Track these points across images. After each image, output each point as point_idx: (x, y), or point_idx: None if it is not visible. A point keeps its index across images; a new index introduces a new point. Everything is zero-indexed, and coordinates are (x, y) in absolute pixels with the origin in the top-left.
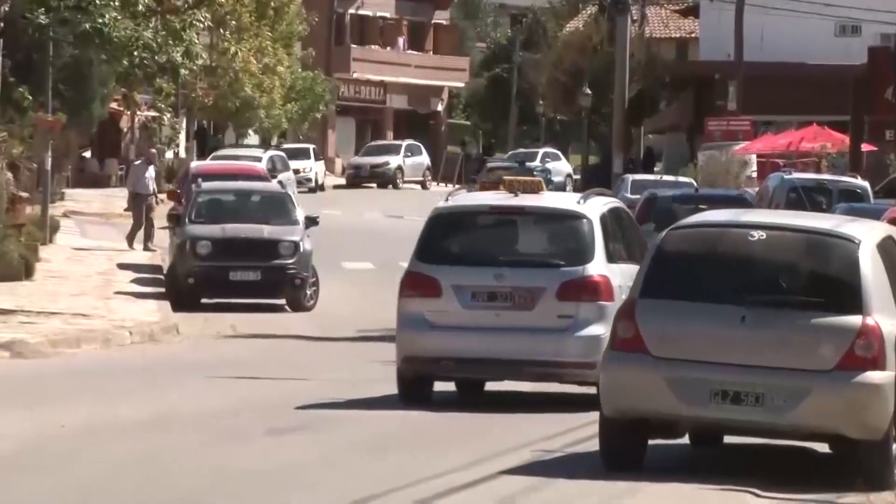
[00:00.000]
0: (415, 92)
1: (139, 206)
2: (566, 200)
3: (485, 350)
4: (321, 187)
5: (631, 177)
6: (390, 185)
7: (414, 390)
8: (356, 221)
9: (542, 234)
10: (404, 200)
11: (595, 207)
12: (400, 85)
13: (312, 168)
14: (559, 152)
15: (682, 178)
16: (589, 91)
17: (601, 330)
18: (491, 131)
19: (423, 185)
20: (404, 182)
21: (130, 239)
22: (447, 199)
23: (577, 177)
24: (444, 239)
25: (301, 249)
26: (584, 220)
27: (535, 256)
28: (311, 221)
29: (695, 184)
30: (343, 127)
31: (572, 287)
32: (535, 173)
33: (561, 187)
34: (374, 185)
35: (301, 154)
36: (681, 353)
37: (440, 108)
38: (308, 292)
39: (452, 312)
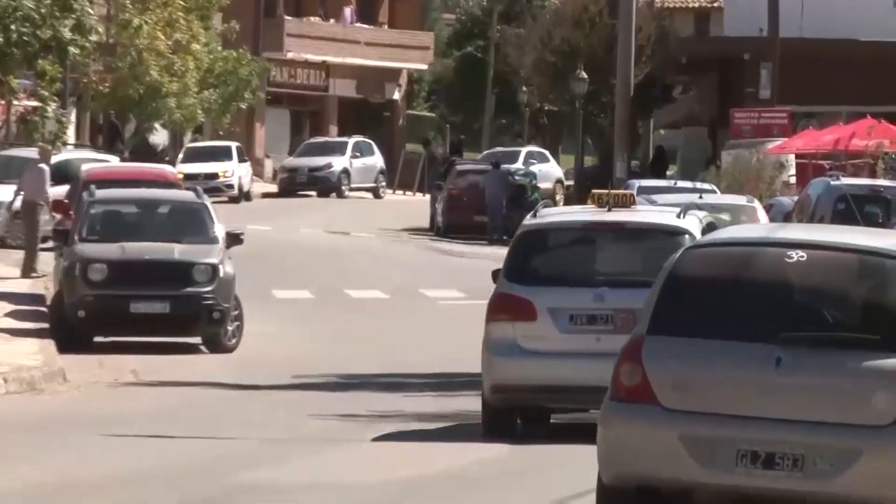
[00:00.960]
0: (365, 76)
1: (34, 219)
2: (665, 216)
3: (584, 377)
4: (246, 196)
5: (637, 182)
6: (334, 194)
7: (500, 423)
8: (291, 239)
9: (642, 252)
10: (352, 213)
11: (694, 223)
12: (346, 67)
13: (235, 172)
14: (547, 152)
15: (701, 185)
16: (584, 75)
17: None
18: (461, 125)
19: (376, 194)
20: (351, 189)
21: (28, 265)
22: (535, 215)
23: (570, 182)
24: (536, 258)
25: (221, 274)
26: (686, 237)
27: (636, 275)
28: (234, 239)
29: (714, 188)
30: (275, 120)
31: None
32: (516, 178)
33: (549, 196)
34: (314, 193)
35: (221, 154)
36: (699, 405)
37: (397, 95)
38: (229, 328)
39: (548, 337)
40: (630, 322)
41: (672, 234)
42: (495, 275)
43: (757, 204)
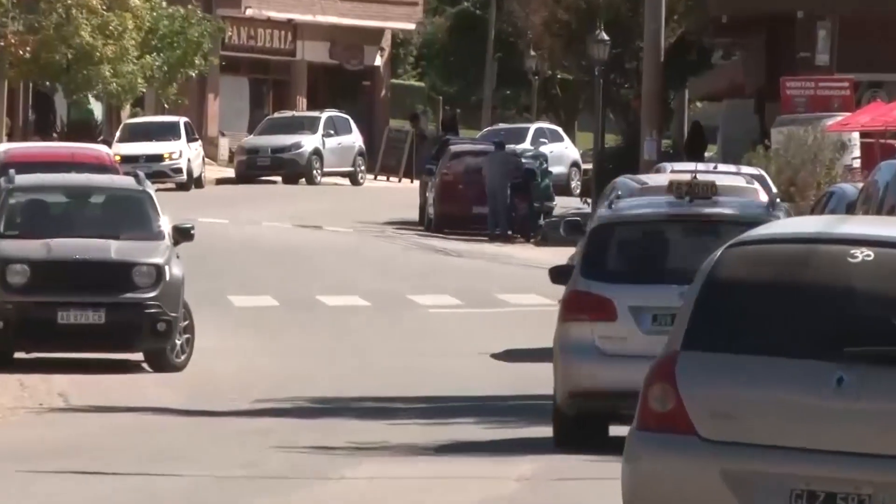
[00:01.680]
0: (340, 38)
1: None
2: (754, 206)
3: None
4: (197, 182)
5: (670, 166)
6: (303, 180)
7: (575, 431)
8: (251, 234)
9: None
10: (324, 202)
11: (783, 212)
12: (317, 27)
13: (184, 153)
14: (560, 129)
15: (747, 168)
16: (605, 36)
17: None
18: (457, 97)
19: (354, 180)
20: (324, 175)
21: None
22: (611, 207)
23: (588, 166)
24: (615, 253)
25: (167, 277)
26: None
27: None
28: (183, 234)
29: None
30: (231, 91)
31: None
32: (523, 161)
33: (564, 181)
34: (279, 178)
35: (166, 132)
36: (745, 435)
37: (379, 61)
38: (177, 343)
39: (630, 338)
40: None
41: (759, 224)
42: (556, 273)
43: (758, 185)
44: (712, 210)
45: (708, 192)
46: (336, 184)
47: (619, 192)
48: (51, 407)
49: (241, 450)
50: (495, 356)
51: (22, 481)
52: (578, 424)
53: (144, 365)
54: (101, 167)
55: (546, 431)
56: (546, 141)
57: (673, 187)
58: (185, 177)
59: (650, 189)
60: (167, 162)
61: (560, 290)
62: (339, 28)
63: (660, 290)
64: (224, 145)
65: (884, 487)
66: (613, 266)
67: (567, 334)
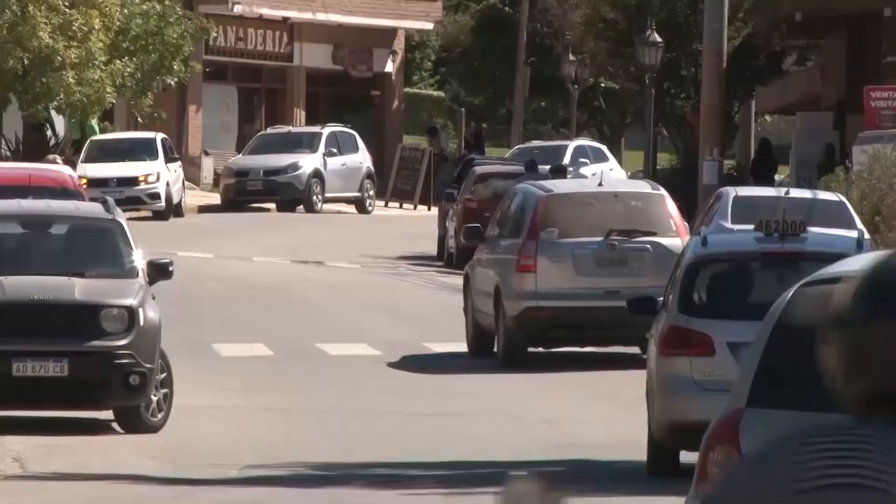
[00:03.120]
0: (345, 39)
1: None
2: (843, 241)
3: None
4: (177, 209)
5: (734, 191)
6: (301, 207)
7: (667, 461)
8: (240, 271)
9: None
10: (327, 234)
11: (875, 251)
12: (318, 27)
13: (161, 175)
14: (604, 147)
15: (824, 194)
16: (658, 38)
17: None
18: (482, 109)
19: (361, 207)
20: (326, 201)
21: None
22: (704, 244)
23: None
24: (711, 289)
25: (140, 321)
26: None
27: None
28: (160, 271)
29: (842, 200)
30: (216, 102)
31: None
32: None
33: None
34: (272, 205)
35: (140, 150)
36: None
37: (391, 67)
38: (153, 398)
39: (728, 373)
40: None
41: None
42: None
43: (665, 192)
44: (804, 247)
45: (798, 229)
46: (340, 211)
47: (522, 197)
48: (4, 475)
49: None
50: (525, 415)
51: None
52: (674, 456)
53: (114, 425)
54: (63, 192)
55: (601, 501)
56: (587, 161)
57: (762, 225)
58: (163, 203)
59: (565, 196)
60: (143, 186)
61: None
62: (344, 28)
63: (755, 326)
64: (208, 166)
65: None
66: (710, 302)
67: (665, 368)
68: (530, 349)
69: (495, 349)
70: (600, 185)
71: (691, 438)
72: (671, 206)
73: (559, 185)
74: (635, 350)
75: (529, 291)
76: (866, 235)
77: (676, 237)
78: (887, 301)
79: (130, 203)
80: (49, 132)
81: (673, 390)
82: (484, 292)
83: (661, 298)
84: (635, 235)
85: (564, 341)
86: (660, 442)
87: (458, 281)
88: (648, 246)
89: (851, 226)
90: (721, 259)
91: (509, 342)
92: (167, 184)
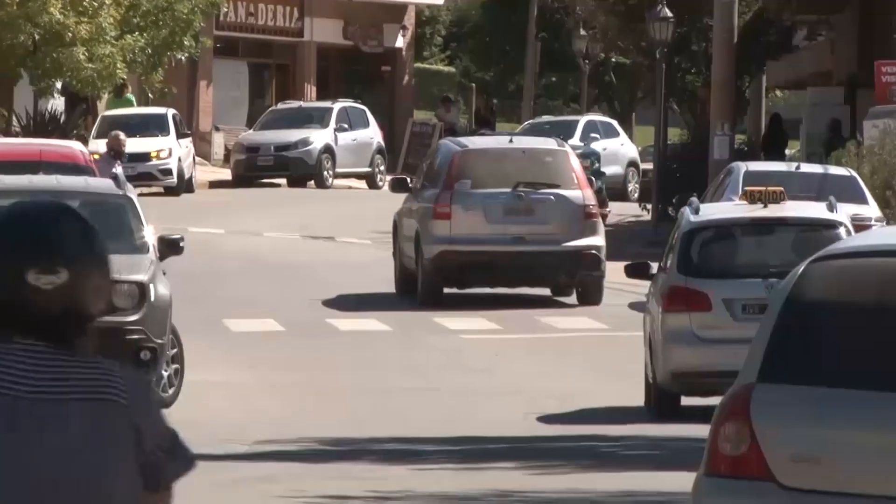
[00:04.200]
0: (356, 14)
1: None
2: (818, 209)
3: None
4: (188, 185)
5: (745, 166)
6: (312, 182)
7: (670, 405)
8: (250, 247)
9: (802, 245)
10: (338, 209)
11: (844, 215)
12: (329, 2)
13: (173, 151)
14: (615, 122)
15: (835, 169)
16: (669, 13)
17: None
18: (493, 84)
19: (372, 182)
20: (337, 176)
21: None
22: (696, 213)
23: (648, 166)
24: (706, 253)
25: (151, 297)
26: (843, 229)
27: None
28: (171, 247)
29: (853, 175)
30: (227, 78)
31: None
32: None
33: (619, 184)
34: (283, 181)
35: (152, 126)
36: (831, 483)
37: (401, 43)
38: (164, 374)
39: (724, 326)
40: None
41: (829, 227)
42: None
43: (569, 148)
44: (786, 213)
45: (779, 198)
46: (351, 187)
47: (441, 153)
48: None
49: (242, 500)
50: (535, 390)
51: None
52: (676, 399)
53: None
54: (74, 167)
55: (601, 478)
56: (598, 136)
57: (747, 195)
58: (174, 179)
59: (478, 151)
60: (154, 162)
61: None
62: (355, 3)
63: (748, 284)
64: (219, 142)
65: None
66: (706, 264)
67: (668, 323)
68: (446, 290)
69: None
70: (510, 141)
71: (692, 384)
72: (574, 162)
73: (474, 142)
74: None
75: (444, 236)
76: (877, 211)
77: (578, 189)
78: None
79: (142, 179)
80: (85, 107)
81: (676, 342)
82: (408, 237)
83: (655, 264)
84: (540, 187)
85: (476, 282)
86: (664, 388)
87: None
88: (552, 197)
89: (863, 200)
90: (713, 226)
91: (426, 282)
92: (178, 159)
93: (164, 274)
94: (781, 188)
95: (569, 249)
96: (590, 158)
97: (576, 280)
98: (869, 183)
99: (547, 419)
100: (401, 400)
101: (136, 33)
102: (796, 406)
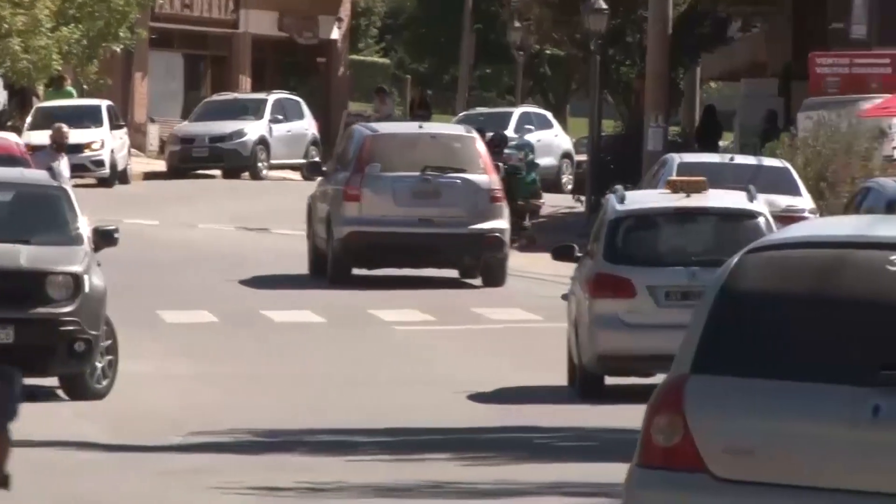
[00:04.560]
0: (291, 6)
1: None
2: (739, 199)
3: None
4: (122, 176)
5: (678, 158)
6: (246, 174)
7: (595, 386)
8: (185, 238)
9: (723, 234)
10: (272, 201)
11: (763, 205)
12: None
13: (106, 142)
14: (549, 114)
15: (769, 160)
16: (603, 4)
17: None
18: (428, 76)
19: (306, 174)
20: (272, 168)
21: None
22: (622, 202)
23: (582, 158)
24: (631, 241)
25: (85, 288)
26: (762, 218)
27: (722, 255)
28: (105, 238)
29: (787, 166)
30: (162, 69)
31: None
32: (505, 151)
33: (553, 175)
34: (218, 172)
35: (85, 117)
36: (764, 473)
37: (336, 34)
38: (98, 365)
39: (648, 312)
40: None
41: (749, 217)
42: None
43: (476, 134)
44: (708, 203)
45: (700, 188)
46: (285, 178)
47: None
48: None
49: (174, 492)
50: (470, 382)
51: None
52: (600, 380)
53: (59, 392)
54: (9, 159)
55: (534, 469)
56: (532, 128)
57: (671, 184)
58: (107, 171)
59: (388, 136)
60: (87, 153)
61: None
62: None
63: (671, 272)
64: (154, 133)
65: None
66: (631, 252)
67: (595, 309)
68: (355, 270)
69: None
70: (420, 127)
71: (618, 366)
72: (480, 147)
73: (384, 127)
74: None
75: (354, 217)
76: (811, 203)
77: (484, 174)
78: None
79: (75, 170)
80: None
81: (602, 327)
82: (320, 219)
83: (579, 247)
84: (447, 171)
85: (384, 263)
86: (589, 369)
87: None
88: (458, 181)
89: (796, 192)
90: (638, 215)
91: (336, 262)
92: (112, 151)
93: (99, 265)
94: (704, 178)
95: (474, 232)
96: (524, 150)
97: (480, 262)
98: (802, 174)
99: (479, 409)
100: (334, 392)
101: (72, 24)
102: (730, 397)
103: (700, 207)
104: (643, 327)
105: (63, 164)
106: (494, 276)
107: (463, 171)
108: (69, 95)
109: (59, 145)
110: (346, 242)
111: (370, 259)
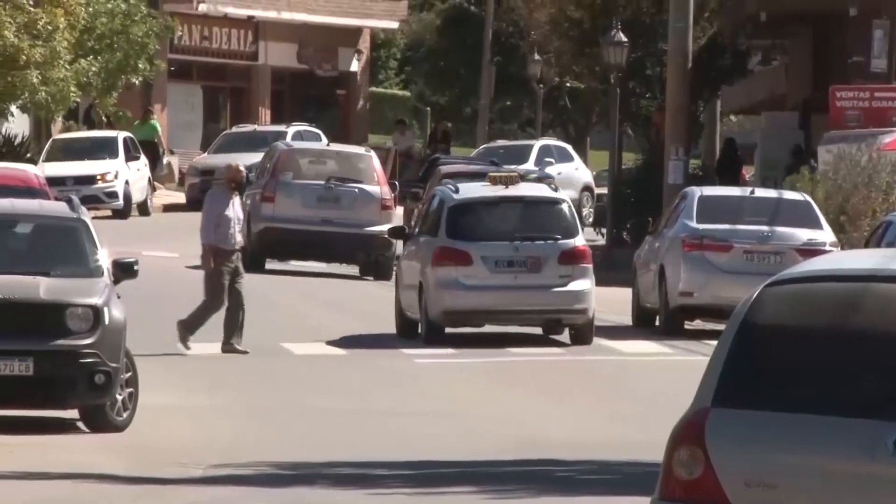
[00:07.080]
0: (310, 38)
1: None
2: (545, 190)
3: (507, 303)
4: (142, 208)
5: (699, 191)
6: None
7: (439, 335)
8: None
9: (536, 216)
10: None
11: (565, 195)
12: (283, 26)
13: (120, 173)
14: (569, 147)
15: (789, 194)
16: (623, 38)
17: (587, 284)
18: (448, 108)
19: None
20: None
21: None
22: (457, 192)
23: (602, 191)
24: (466, 221)
25: (105, 321)
26: (566, 205)
27: (540, 233)
28: (125, 270)
29: (808, 199)
30: (181, 101)
31: (568, 254)
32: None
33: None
34: None
35: (102, 149)
36: None
37: (356, 66)
38: (118, 398)
39: (482, 276)
40: (537, 265)
41: (555, 203)
42: (394, 232)
43: (373, 153)
44: (522, 192)
45: (514, 181)
46: None
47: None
48: None
49: None
50: (492, 414)
51: None
52: (442, 330)
53: (80, 424)
54: (27, 191)
55: (554, 502)
56: (553, 161)
57: (493, 179)
58: (121, 202)
59: (300, 150)
60: (100, 185)
61: None
62: (309, 27)
63: (499, 246)
64: (173, 165)
65: None
66: (467, 230)
67: (439, 275)
68: (269, 263)
69: None
70: (328, 145)
71: (458, 319)
72: (376, 164)
73: (298, 144)
74: None
75: (268, 215)
76: (831, 236)
77: (377, 185)
78: None
79: (88, 202)
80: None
81: (445, 288)
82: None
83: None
84: (347, 182)
85: (292, 255)
86: (434, 322)
87: None
88: (356, 190)
89: (817, 225)
90: (471, 203)
91: (252, 254)
92: (126, 182)
93: (119, 297)
94: (517, 173)
95: (366, 233)
96: (544, 182)
97: (371, 258)
98: (823, 208)
99: (500, 440)
100: (355, 424)
101: (91, 57)
102: (752, 431)
103: (517, 196)
104: (479, 288)
105: (236, 202)
106: (383, 271)
107: (360, 182)
108: (153, 130)
109: (236, 184)
110: (260, 236)
111: (280, 251)
